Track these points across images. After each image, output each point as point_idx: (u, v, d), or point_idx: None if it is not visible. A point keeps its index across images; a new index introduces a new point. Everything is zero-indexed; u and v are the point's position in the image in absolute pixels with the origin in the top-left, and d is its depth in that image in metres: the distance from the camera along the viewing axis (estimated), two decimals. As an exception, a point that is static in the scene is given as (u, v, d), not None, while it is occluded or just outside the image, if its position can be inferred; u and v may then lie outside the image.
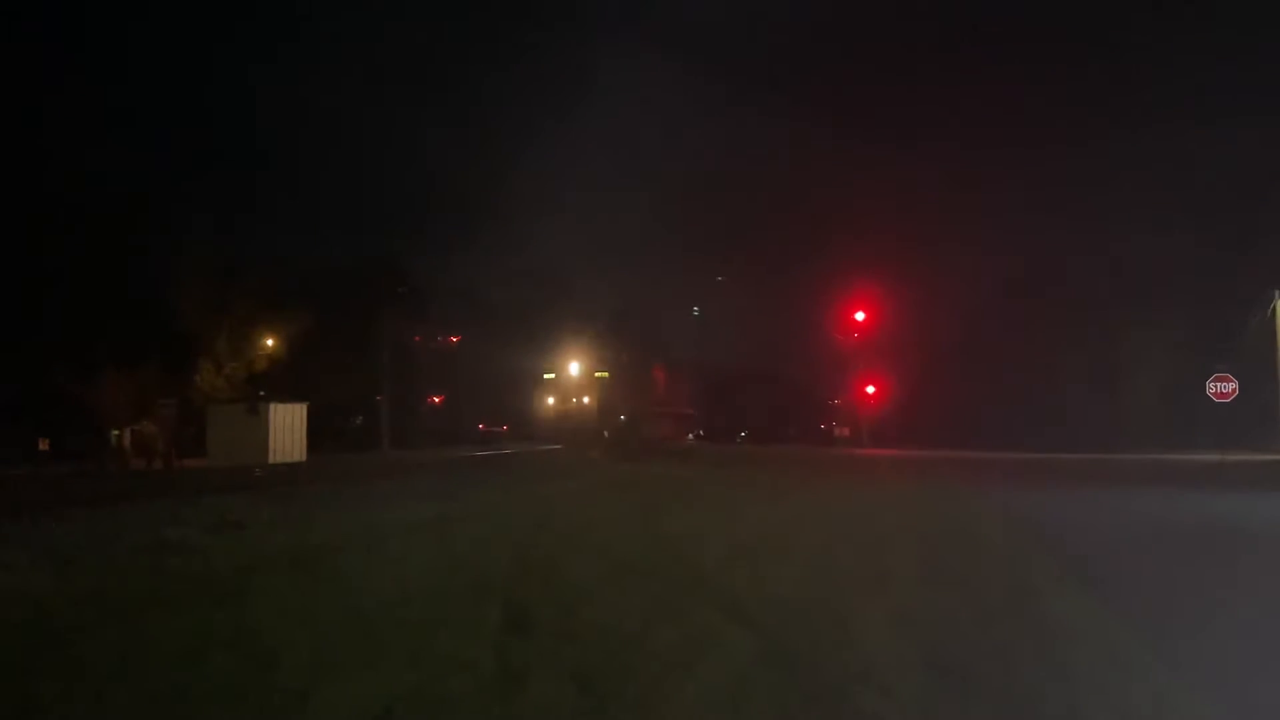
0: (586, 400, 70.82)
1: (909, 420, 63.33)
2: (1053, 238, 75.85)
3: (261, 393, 38.20)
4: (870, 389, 59.49)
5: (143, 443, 35.27)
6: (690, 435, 73.54)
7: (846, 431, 64.24)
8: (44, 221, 32.86)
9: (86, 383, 33.31)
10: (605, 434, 61.01)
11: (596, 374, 71.88)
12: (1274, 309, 34.40)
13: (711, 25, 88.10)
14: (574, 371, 70.54)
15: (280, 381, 41.38)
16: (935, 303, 69.26)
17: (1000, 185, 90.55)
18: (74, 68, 38.88)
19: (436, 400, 69.74)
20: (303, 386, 40.06)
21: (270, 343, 42.75)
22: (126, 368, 34.44)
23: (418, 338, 63.35)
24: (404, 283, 59.26)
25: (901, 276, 68.01)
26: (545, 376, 72.09)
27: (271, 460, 32.22)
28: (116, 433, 35.54)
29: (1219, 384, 26.75)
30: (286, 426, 34.44)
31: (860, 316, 57.49)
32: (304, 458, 34.29)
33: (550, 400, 73.69)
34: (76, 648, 6.37)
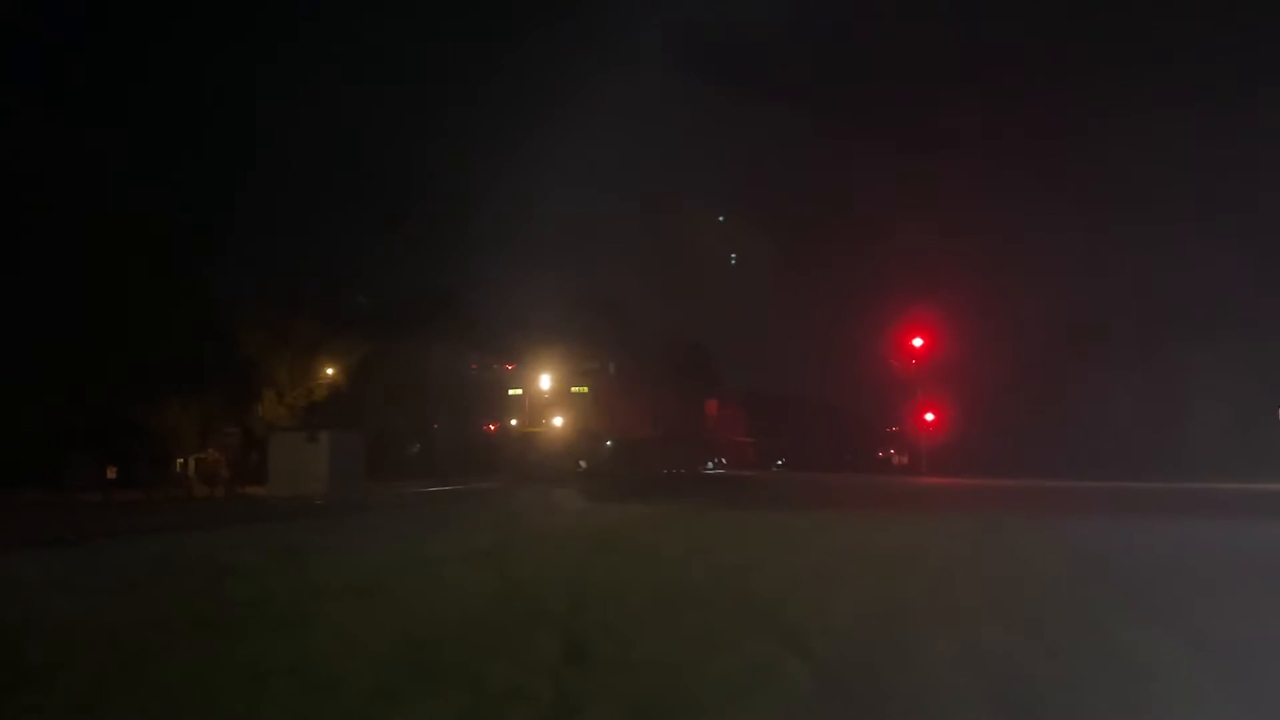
0: (559, 421, 54.58)
1: (968, 448, 62.29)
2: (1115, 263, 74.47)
3: (316, 423, 38.82)
4: (929, 416, 58.68)
5: (207, 470, 35.99)
6: (778, 463, 72.95)
7: (905, 459, 63.38)
8: (112, 251, 33.80)
9: (153, 412, 34.15)
10: (581, 464, 50.58)
11: (573, 389, 57.45)
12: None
13: (761, 49, 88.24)
14: (545, 386, 54.75)
15: (340, 410, 42.01)
16: (995, 328, 68.30)
17: (1061, 210, 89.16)
18: (141, 100, 40.15)
19: (493, 428, 69.95)
20: (362, 415, 40.64)
21: (330, 371, 43.46)
22: (192, 397, 35.26)
23: (474, 365, 63.82)
24: (458, 311, 59.82)
25: (960, 302, 67.19)
26: (510, 393, 56.57)
27: (331, 487, 32.64)
28: (182, 461, 36.36)
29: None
30: (345, 454, 34.92)
31: (918, 343, 56.87)
32: (363, 485, 34.68)
33: (514, 422, 56.86)
34: (143, 673, 6.47)
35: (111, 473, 32.87)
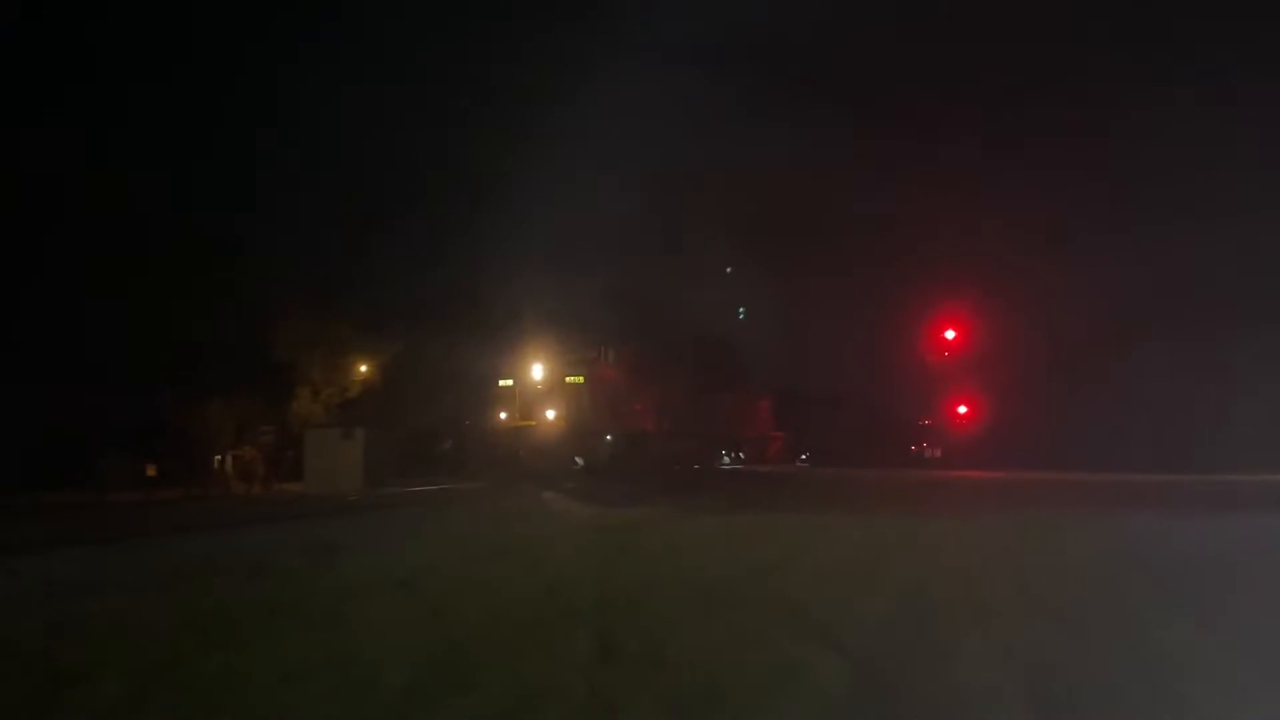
0: (552, 415, 48.69)
1: (1003, 440, 61.67)
2: (1158, 250, 73.25)
3: (350, 420, 39.18)
4: (962, 409, 58.12)
5: (244, 468, 36.47)
6: (802, 458, 71.31)
7: (938, 453, 62.96)
8: (149, 254, 34.26)
9: (191, 411, 34.63)
10: (577, 461, 45.77)
11: (567, 379, 50.27)
12: None
13: (782, 36, 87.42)
14: (537, 376, 48.67)
15: (373, 407, 42.36)
16: (1031, 318, 67.42)
17: (1101, 197, 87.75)
18: (164, 101, 40.59)
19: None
20: (395, 412, 40.98)
21: (364, 369, 43.84)
22: (229, 396, 35.73)
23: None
24: (487, 309, 59.65)
25: (994, 292, 66.35)
26: (501, 384, 49.34)
27: (364, 484, 33.04)
28: (219, 458, 36.85)
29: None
30: (378, 451, 35.37)
31: (950, 335, 56.31)
32: (394, 482, 35.01)
33: (503, 415, 50.31)
34: (182, 671, 6.54)
35: (151, 471, 33.38)
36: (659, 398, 58.63)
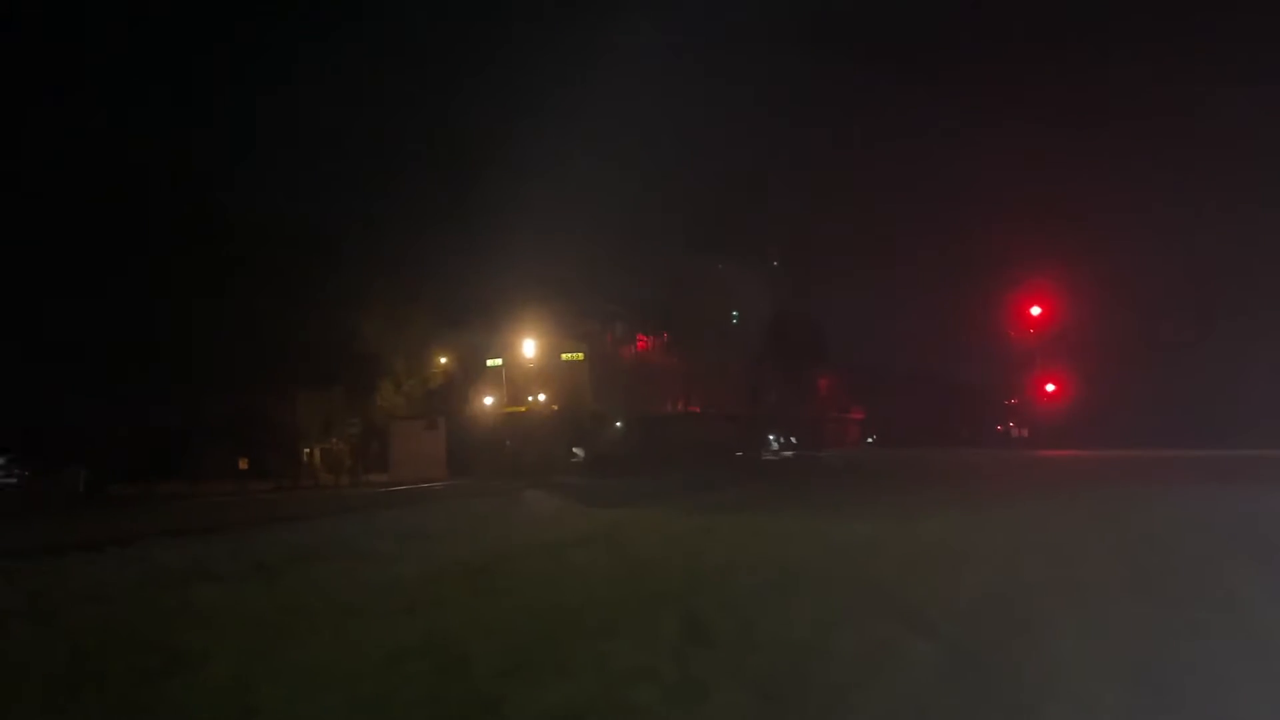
0: (543, 398, 40.35)
1: (1091, 419, 60.00)
2: (1248, 224, 70.44)
3: (433, 411, 39.79)
4: (1050, 387, 56.68)
5: (331, 459, 37.42)
6: (868, 440, 69.65)
7: (1025, 432, 61.51)
8: (240, 250, 35.26)
9: (281, 405, 35.67)
10: (577, 453, 39.18)
11: (564, 355, 41.13)
12: None
13: (881, 16, 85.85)
14: (529, 353, 40.80)
15: (456, 398, 42.93)
16: (1118, 294, 65.48)
17: (1188, 171, 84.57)
18: (241, 99, 41.81)
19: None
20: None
21: (443, 360, 44.46)
22: (317, 390, 36.71)
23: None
24: (569, 295, 59.09)
25: (1080, 268, 64.46)
26: (489, 364, 42.01)
27: (448, 473, 33.63)
28: (308, 450, 37.87)
29: None
30: (461, 441, 36.03)
31: (1036, 311, 54.88)
32: (475, 471, 35.46)
33: (489, 400, 41.92)
34: (290, 654, 6.78)
35: (243, 464, 34.48)
36: (685, 377, 49.25)
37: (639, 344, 47.19)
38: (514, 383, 40.66)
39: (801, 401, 60.28)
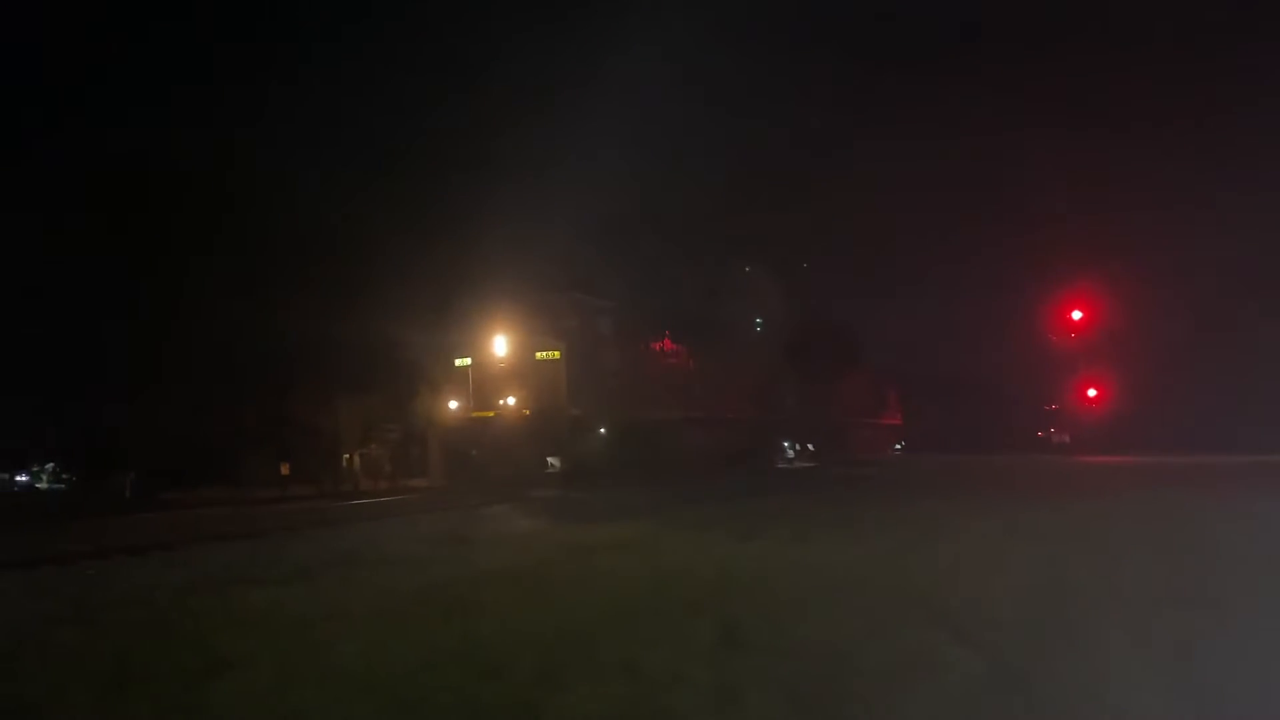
0: (510, 402, 35.13)
1: (1136, 424, 59.07)
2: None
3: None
4: (1092, 392, 55.91)
5: (371, 465, 37.77)
6: (896, 447, 67.93)
7: (1066, 438, 60.68)
8: (279, 258, 35.64)
9: (323, 412, 36.06)
10: (551, 463, 34.89)
11: (538, 354, 36.48)
12: None
13: (914, 17, 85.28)
14: (500, 351, 36.15)
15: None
16: (1162, 297, 64.42)
17: (1231, 171, 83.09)
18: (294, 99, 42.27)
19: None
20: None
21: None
22: (357, 397, 37.06)
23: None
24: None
25: (1122, 271, 63.49)
26: (457, 364, 37.43)
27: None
28: (348, 456, 38.26)
29: None
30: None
31: (1078, 316, 54.19)
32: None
33: (453, 405, 37.40)
34: (329, 657, 6.84)
35: (285, 469, 34.90)
36: (688, 380, 44.07)
37: (633, 343, 41.06)
38: (483, 384, 35.74)
39: (825, 406, 54.75)
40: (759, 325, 53.27)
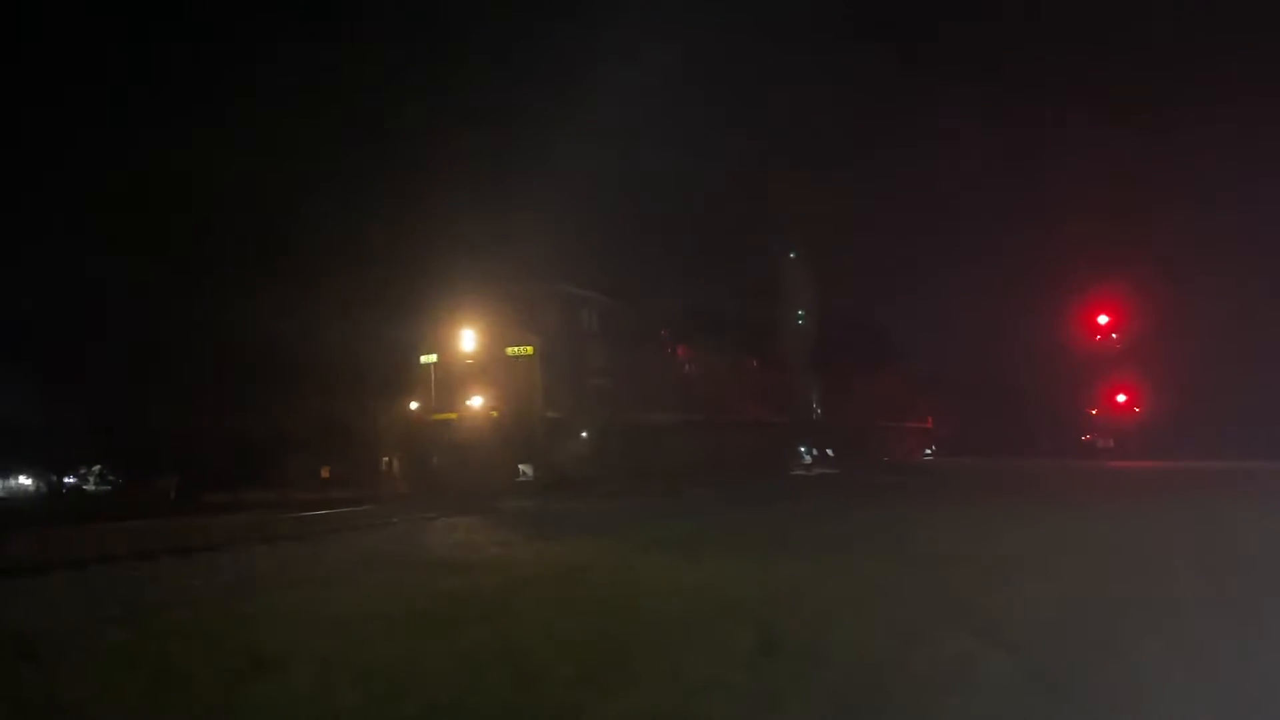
0: (477, 402, 31.00)
1: (1179, 428, 58.06)
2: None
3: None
4: (1121, 397, 55.15)
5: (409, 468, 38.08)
6: (927, 452, 66.33)
7: (1111, 442, 59.79)
8: (316, 262, 36.04)
9: (363, 416, 36.38)
10: (524, 471, 31.00)
11: (509, 350, 32.04)
12: None
13: (936, 17, 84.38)
14: (468, 347, 32.02)
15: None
16: (1196, 298, 63.20)
17: (1263, 164, 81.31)
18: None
19: None
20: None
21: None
22: (396, 401, 37.34)
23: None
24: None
25: (1152, 271, 62.42)
26: (423, 360, 33.04)
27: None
28: (386, 459, 38.59)
29: None
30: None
31: (1103, 319, 53.50)
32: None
33: (414, 405, 33.67)
34: (365, 661, 6.91)
35: (325, 473, 35.31)
36: (686, 378, 39.91)
37: (625, 339, 36.10)
38: (447, 383, 31.74)
39: (847, 408, 51.02)
40: (800, 317, 49.62)
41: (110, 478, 33.14)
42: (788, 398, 46.55)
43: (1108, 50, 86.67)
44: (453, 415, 30.85)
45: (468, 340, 31.19)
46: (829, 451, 49.66)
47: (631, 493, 25.17)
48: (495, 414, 30.03)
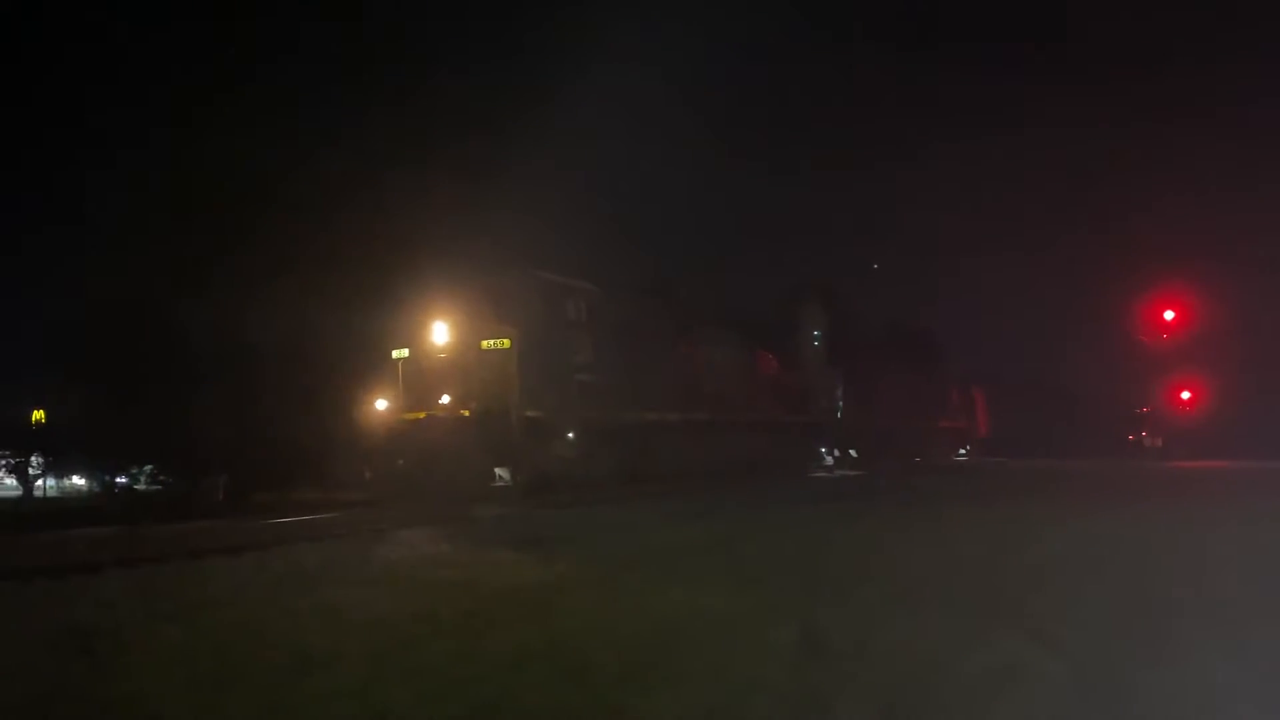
0: (445, 399, 28.06)
1: (1234, 428, 56.85)
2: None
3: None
4: (1186, 394, 54.04)
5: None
6: (960, 453, 64.46)
7: (1159, 442, 58.64)
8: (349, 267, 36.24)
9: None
10: (500, 476, 28.90)
11: (484, 343, 28.96)
12: None
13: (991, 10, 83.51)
14: (440, 340, 29.17)
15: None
16: (1263, 294, 61.88)
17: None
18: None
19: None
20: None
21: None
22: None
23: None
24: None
25: (1219, 266, 61.21)
26: (394, 355, 30.30)
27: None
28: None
29: None
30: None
31: (1169, 315, 52.46)
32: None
33: (381, 404, 31.10)
34: (420, 659, 6.98)
35: (368, 474, 35.61)
36: (691, 373, 36.41)
37: (618, 332, 32.89)
38: (419, 380, 29.20)
39: (874, 406, 47.68)
40: (815, 339, 45.62)
41: (161, 478, 33.71)
42: (807, 396, 43.76)
43: (1172, 45, 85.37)
44: (420, 414, 28.54)
45: (440, 333, 28.74)
46: (852, 452, 47.27)
47: (613, 501, 23.17)
48: (466, 413, 27.54)
